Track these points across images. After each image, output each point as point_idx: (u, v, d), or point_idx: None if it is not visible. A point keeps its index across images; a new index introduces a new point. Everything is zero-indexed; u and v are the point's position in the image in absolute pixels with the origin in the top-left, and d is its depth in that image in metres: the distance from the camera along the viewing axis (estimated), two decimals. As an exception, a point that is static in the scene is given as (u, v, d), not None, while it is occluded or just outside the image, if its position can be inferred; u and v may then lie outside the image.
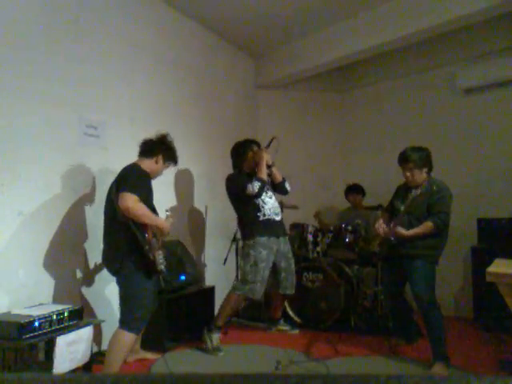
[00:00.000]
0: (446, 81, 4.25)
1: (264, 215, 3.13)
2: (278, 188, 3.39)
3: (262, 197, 3.14)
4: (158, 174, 2.56)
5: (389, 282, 2.95)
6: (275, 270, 3.24)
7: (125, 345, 2.24)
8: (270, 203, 3.19)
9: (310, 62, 4.30)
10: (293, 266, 3.35)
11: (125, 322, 2.27)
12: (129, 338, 2.25)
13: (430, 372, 2.45)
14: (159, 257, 2.29)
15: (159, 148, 2.49)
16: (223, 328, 3.11)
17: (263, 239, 3.07)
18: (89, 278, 2.87)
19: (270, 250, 3.10)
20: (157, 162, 2.49)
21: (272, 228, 3.15)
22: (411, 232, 2.57)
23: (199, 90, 4.02)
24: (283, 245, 3.26)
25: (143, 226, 2.22)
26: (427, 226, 2.56)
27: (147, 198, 2.33)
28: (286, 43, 4.46)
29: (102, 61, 3.06)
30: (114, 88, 3.14)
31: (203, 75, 4.09)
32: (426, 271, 2.59)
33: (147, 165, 2.44)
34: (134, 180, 2.26)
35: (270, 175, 3.26)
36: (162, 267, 2.30)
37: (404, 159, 2.72)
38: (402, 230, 2.57)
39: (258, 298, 3.12)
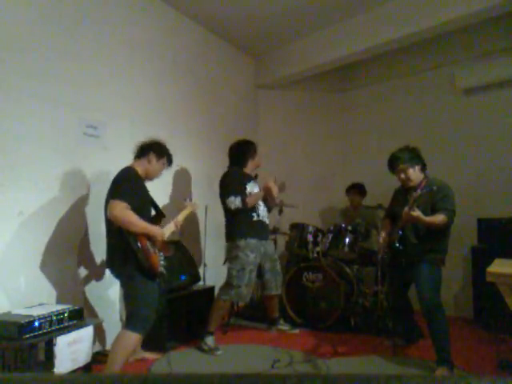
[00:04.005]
0: (445, 81, 4.25)
1: (258, 216, 3.14)
2: (267, 206, 3.33)
3: None
4: (154, 173, 2.54)
5: (394, 283, 2.93)
6: (260, 272, 3.23)
7: (128, 345, 2.21)
8: (261, 205, 3.22)
9: (310, 62, 4.31)
10: (278, 266, 3.34)
11: (130, 323, 2.25)
12: (132, 338, 2.22)
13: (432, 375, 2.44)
14: (159, 259, 2.26)
15: (148, 146, 2.50)
16: (215, 332, 3.07)
17: (253, 241, 3.05)
18: (89, 278, 2.87)
19: (258, 252, 3.09)
20: (150, 162, 2.48)
21: (263, 230, 3.17)
22: (427, 218, 2.42)
23: (199, 89, 4.02)
24: (268, 246, 3.28)
25: (136, 233, 2.21)
26: (441, 217, 2.45)
27: (142, 203, 2.31)
28: (286, 43, 4.47)
29: (102, 61, 3.06)
30: (114, 88, 3.14)
31: (203, 75, 4.09)
32: (432, 274, 2.57)
33: (141, 166, 2.45)
34: (123, 187, 2.25)
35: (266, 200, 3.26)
36: (162, 269, 2.28)
37: (394, 162, 2.67)
38: (419, 214, 2.38)
39: (246, 301, 3.11)
